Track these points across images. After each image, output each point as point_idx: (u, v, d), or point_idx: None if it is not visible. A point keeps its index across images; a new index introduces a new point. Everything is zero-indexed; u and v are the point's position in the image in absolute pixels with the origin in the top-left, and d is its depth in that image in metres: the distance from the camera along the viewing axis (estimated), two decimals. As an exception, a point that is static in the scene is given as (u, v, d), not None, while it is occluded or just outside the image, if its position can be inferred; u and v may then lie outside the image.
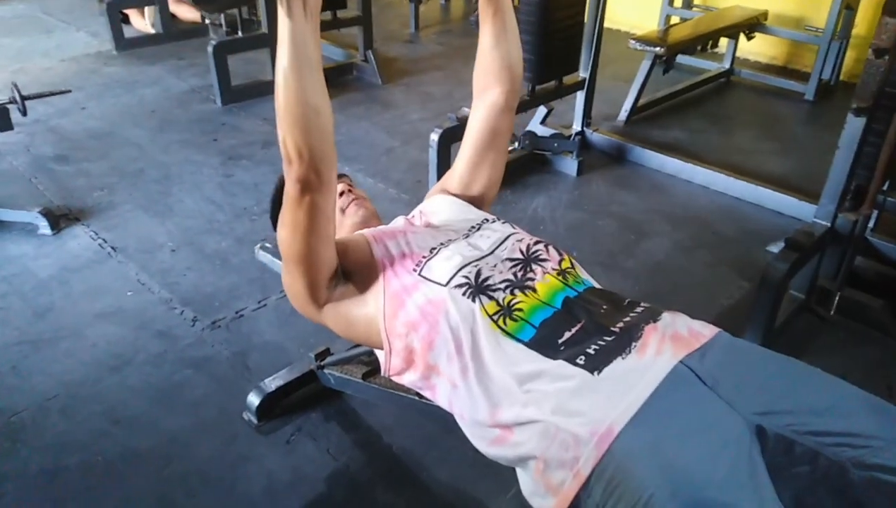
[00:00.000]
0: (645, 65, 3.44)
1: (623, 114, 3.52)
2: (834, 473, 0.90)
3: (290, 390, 1.76)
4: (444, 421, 1.16)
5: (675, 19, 4.41)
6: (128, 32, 4.74)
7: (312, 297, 1.18)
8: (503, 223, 1.29)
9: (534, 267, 1.15)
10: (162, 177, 2.89)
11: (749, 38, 3.94)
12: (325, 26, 4.00)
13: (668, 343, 0.99)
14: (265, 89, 3.75)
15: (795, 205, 2.65)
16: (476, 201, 1.41)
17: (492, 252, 1.18)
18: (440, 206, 1.36)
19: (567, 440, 0.91)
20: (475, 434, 1.08)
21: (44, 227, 2.49)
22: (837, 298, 2.03)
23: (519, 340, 1.03)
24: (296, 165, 1.02)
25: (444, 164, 2.54)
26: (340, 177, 1.45)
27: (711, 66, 4.16)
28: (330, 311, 1.21)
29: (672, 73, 4.08)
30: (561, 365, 0.97)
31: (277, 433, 1.69)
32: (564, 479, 0.91)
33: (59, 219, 2.55)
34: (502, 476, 1.46)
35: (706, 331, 1.04)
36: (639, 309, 1.08)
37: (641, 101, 3.61)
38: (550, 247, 1.20)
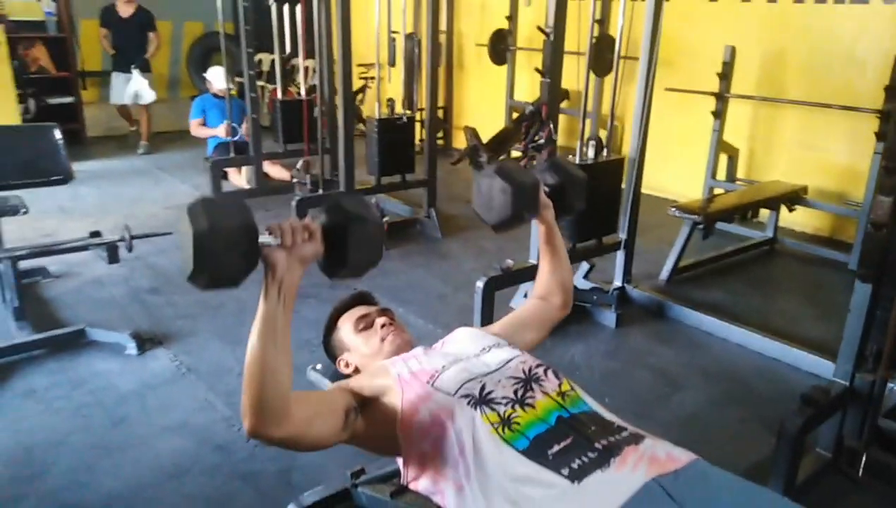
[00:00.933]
0: (684, 230, 3.67)
1: (665, 274, 3.71)
2: None
3: (327, 506, 1.90)
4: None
5: (718, 191, 4.69)
6: (226, 187, 5.41)
7: (335, 441, 1.33)
8: (513, 348, 1.49)
9: (534, 386, 1.33)
10: (238, 310, 3.23)
11: (790, 210, 4.16)
12: (395, 187, 4.51)
13: (645, 462, 1.13)
14: (336, 238, 4.18)
15: (832, 368, 2.70)
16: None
17: (497, 370, 1.37)
18: (459, 335, 1.58)
19: (546, 538, 1.04)
20: None
21: (131, 348, 2.81)
22: (864, 458, 2.05)
23: (515, 448, 1.19)
24: (246, 420, 1.14)
25: (487, 309, 2.77)
26: (384, 311, 1.70)
27: (755, 235, 4.36)
28: (352, 440, 1.38)
29: (717, 240, 4.32)
30: (548, 474, 1.13)
31: (310, 549, 1.81)
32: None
33: (145, 342, 2.88)
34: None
35: (684, 457, 1.18)
36: (624, 433, 1.24)
37: (685, 264, 3.82)
38: (549, 371, 1.38)
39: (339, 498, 1.91)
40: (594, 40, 3.08)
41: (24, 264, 3.52)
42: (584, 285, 3.31)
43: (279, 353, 1.14)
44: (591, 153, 3.07)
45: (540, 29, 2.75)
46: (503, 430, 1.22)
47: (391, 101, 4.27)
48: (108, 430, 2.31)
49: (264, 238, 1.12)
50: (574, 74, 3.24)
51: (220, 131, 5.50)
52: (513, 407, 1.27)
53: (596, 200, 3.04)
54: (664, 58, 5.19)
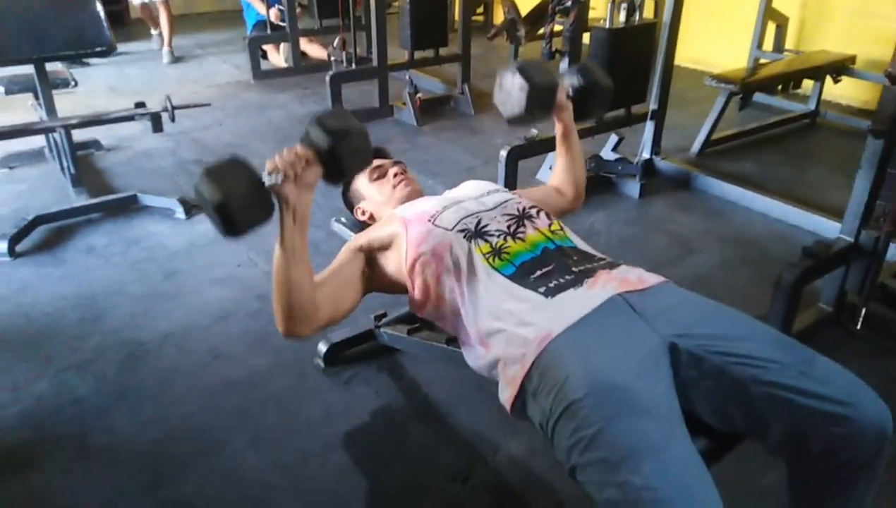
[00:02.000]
0: (719, 101, 3.61)
1: (696, 147, 3.70)
2: (737, 388, 1.13)
3: (352, 343, 2.12)
4: (476, 381, 1.46)
5: (764, 62, 4.52)
6: (265, 65, 5.48)
7: (360, 301, 1.53)
8: (512, 193, 1.60)
9: (526, 222, 1.46)
10: (276, 180, 3.40)
11: (836, 81, 4.01)
12: (429, 62, 4.50)
13: (615, 282, 1.27)
14: (370, 115, 4.27)
15: (851, 233, 2.73)
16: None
17: (495, 207, 1.50)
18: (466, 184, 1.70)
19: (520, 342, 1.20)
20: (470, 355, 1.39)
21: (179, 212, 3.03)
22: (863, 313, 2.14)
23: (503, 274, 1.33)
24: (280, 326, 1.33)
25: (511, 178, 2.87)
26: (396, 162, 1.82)
27: (797, 107, 4.24)
28: (376, 285, 1.56)
29: (756, 112, 4.24)
30: (527, 292, 1.27)
31: (338, 375, 2.05)
32: (516, 372, 1.20)
33: (192, 208, 3.08)
34: (517, 429, 1.76)
35: (653, 279, 1.31)
36: (602, 261, 1.36)
37: (719, 136, 3.79)
38: (542, 212, 1.50)
39: (364, 338, 2.15)
40: None
41: (78, 137, 3.75)
42: (611, 156, 3.34)
43: (301, 270, 1.29)
44: (622, 17, 3.01)
45: None
46: (493, 259, 1.36)
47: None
48: (160, 281, 2.56)
49: (269, 178, 1.22)
50: None
51: (265, 11, 5.46)
52: (504, 238, 1.40)
53: (625, 68, 3.03)
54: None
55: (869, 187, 2.02)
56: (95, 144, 3.74)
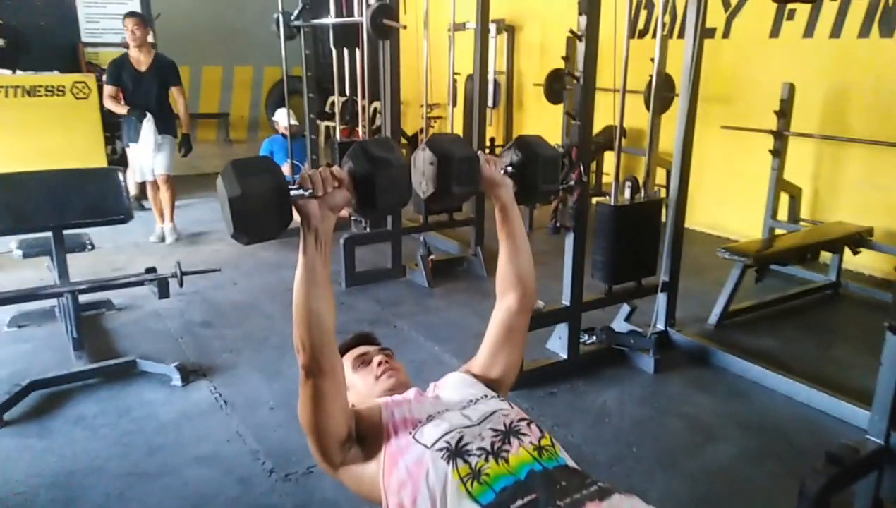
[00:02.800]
0: (734, 273, 3.55)
1: (713, 319, 3.59)
2: None
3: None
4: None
5: (779, 231, 4.51)
6: (287, 223, 5.63)
7: (327, 460, 1.39)
8: (501, 400, 1.48)
9: (512, 439, 1.32)
10: (281, 344, 3.34)
11: (855, 253, 3.94)
12: (443, 225, 4.58)
13: (604, 520, 1.11)
14: (383, 276, 4.29)
15: (884, 423, 2.53)
16: (494, 384, 1.60)
17: (479, 422, 1.37)
18: (450, 381, 1.59)
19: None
20: None
21: (176, 380, 2.96)
22: (906, 526, 1.91)
23: (479, 503, 1.19)
24: (300, 355, 1.27)
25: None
26: (382, 350, 1.74)
27: (817, 278, 4.15)
28: (344, 472, 1.42)
29: (776, 282, 4.15)
30: (503, 530, 1.12)
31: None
32: None
33: (190, 374, 3.02)
34: None
35: (648, 515, 1.15)
36: (593, 488, 1.21)
37: (738, 307, 3.68)
38: (532, 425, 1.38)
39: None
40: (651, 78, 3.07)
41: (91, 297, 3.80)
42: (623, 328, 3.24)
43: (321, 296, 1.23)
44: (626, 194, 3.04)
45: (570, 74, 2.76)
46: (471, 483, 1.22)
47: (438, 142, 4.36)
48: (144, 458, 2.43)
49: (296, 191, 1.18)
50: (633, 112, 3.23)
51: (285, 169, 5.75)
52: (486, 458, 1.27)
53: (633, 242, 3.01)
54: (722, 94, 5.12)
55: (894, 385, 1.86)
56: (107, 304, 3.77)
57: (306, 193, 1.19)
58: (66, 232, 3.07)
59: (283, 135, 5.98)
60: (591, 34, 2.66)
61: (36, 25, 6.86)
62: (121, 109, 5.03)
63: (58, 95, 5.72)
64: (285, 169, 5.69)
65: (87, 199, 3.06)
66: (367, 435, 1.41)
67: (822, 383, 2.83)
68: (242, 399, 2.85)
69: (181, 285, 3.10)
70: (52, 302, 3.56)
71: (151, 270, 3.15)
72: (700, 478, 2.31)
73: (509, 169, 1.56)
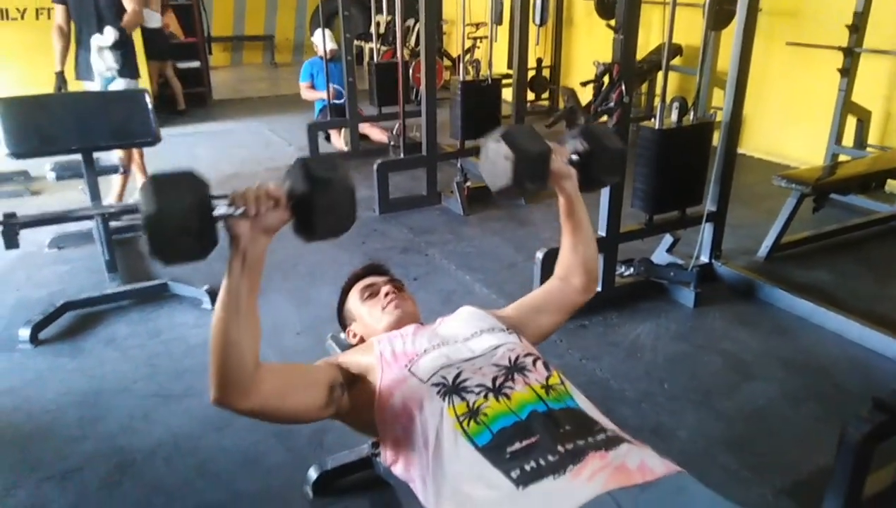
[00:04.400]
0: (790, 202, 3.30)
1: (763, 251, 3.37)
2: None
3: (347, 471, 1.92)
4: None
5: (843, 158, 4.18)
6: (327, 148, 5.56)
7: (320, 417, 1.32)
8: (509, 333, 1.38)
9: (516, 376, 1.23)
10: (309, 272, 3.31)
11: (927, 180, 3.62)
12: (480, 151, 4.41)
13: (607, 472, 1.01)
14: (417, 202, 4.19)
15: (944, 366, 2.35)
16: (519, 329, 1.48)
17: (481, 356, 1.28)
18: (459, 314, 1.49)
19: (475, 542, 0.97)
20: None
21: (206, 303, 2.97)
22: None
23: (474, 444, 1.11)
24: (210, 391, 1.13)
25: (546, 279, 2.64)
26: (391, 281, 1.65)
27: (882, 208, 3.84)
28: (341, 416, 1.37)
29: (836, 212, 3.87)
30: (496, 475, 1.04)
31: (326, 509, 1.84)
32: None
33: (221, 298, 3.02)
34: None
35: (660, 469, 1.04)
36: (600, 436, 1.11)
37: (791, 239, 3.46)
38: (539, 362, 1.28)
39: (360, 466, 1.94)
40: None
41: (127, 220, 3.82)
42: (663, 260, 3.07)
43: (242, 327, 1.11)
44: (674, 116, 2.81)
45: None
46: (468, 423, 1.14)
47: (476, 63, 4.14)
48: (170, 380, 2.45)
49: (224, 209, 1.07)
50: (688, 28, 2.95)
51: (323, 95, 5.62)
52: (485, 396, 1.19)
53: (678, 168, 2.81)
54: (788, 8, 4.69)
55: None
56: (143, 227, 3.79)
57: (237, 213, 1.07)
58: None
59: (322, 58, 5.82)
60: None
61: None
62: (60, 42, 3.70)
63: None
64: (322, 95, 5.54)
65: (115, 122, 3.01)
66: (361, 377, 1.35)
67: (877, 322, 2.64)
68: (270, 323, 2.83)
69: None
70: (91, 224, 3.60)
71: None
72: (734, 418, 2.19)
73: (574, 158, 1.49)
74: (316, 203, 1.11)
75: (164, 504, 1.87)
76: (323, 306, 2.98)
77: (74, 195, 4.09)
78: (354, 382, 1.36)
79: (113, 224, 3.29)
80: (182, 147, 5.83)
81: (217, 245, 1.08)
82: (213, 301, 2.88)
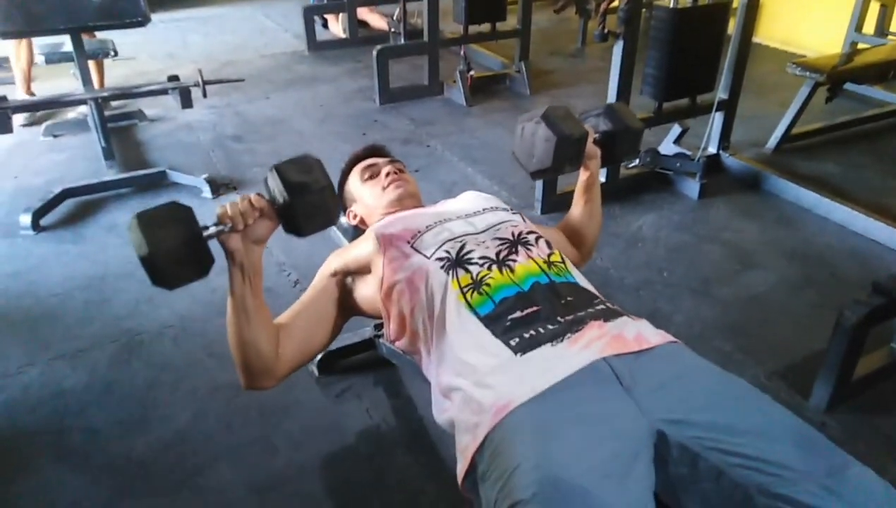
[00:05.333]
0: (803, 91, 3.20)
1: (772, 142, 3.31)
2: (738, 497, 0.89)
3: (350, 352, 1.97)
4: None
5: (862, 46, 4.01)
6: (324, 35, 5.34)
7: (338, 333, 1.43)
8: (513, 213, 1.38)
9: (520, 249, 1.23)
10: (311, 161, 3.26)
11: (947, 70, 3.48)
12: (484, 37, 4.24)
13: (604, 340, 1.03)
14: (419, 92, 4.07)
15: (945, 257, 2.35)
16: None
17: (485, 230, 1.28)
18: (464, 196, 1.48)
19: (475, 408, 0.99)
20: (434, 405, 1.19)
21: (206, 192, 2.95)
22: (946, 361, 1.80)
23: (476, 314, 1.12)
24: (242, 379, 1.25)
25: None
26: (392, 161, 1.62)
27: (897, 99, 3.73)
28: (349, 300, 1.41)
29: (851, 104, 3.77)
30: (495, 343, 1.06)
31: (331, 386, 1.90)
32: (468, 443, 0.99)
33: (220, 187, 3.00)
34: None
35: (655, 339, 1.06)
36: (600, 307, 1.12)
37: (801, 130, 3.38)
38: (541, 240, 1.28)
39: (364, 347, 1.98)
40: None
41: (121, 108, 3.74)
42: (670, 150, 3.01)
43: (254, 326, 1.18)
44: (688, -5, 2.67)
45: None
46: (471, 294, 1.15)
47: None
48: (173, 266, 2.47)
49: (214, 229, 1.10)
50: None
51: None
52: (489, 267, 1.19)
53: (691, 53, 2.70)
54: None
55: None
56: (139, 115, 3.71)
57: (226, 229, 1.09)
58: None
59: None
60: None
61: None
62: None
63: None
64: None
65: (102, 1, 2.87)
66: (363, 266, 1.36)
67: (882, 213, 2.62)
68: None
69: (205, 95, 2.97)
70: (86, 110, 3.52)
71: (174, 78, 3.01)
72: (731, 305, 2.22)
73: (597, 136, 1.49)
74: (297, 208, 1.12)
75: (175, 381, 1.92)
76: (324, 195, 2.96)
77: (66, 82, 3.98)
78: (356, 276, 1.38)
79: (107, 113, 3.23)
80: (174, 33, 5.62)
81: (215, 262, 1.11)
82: (213, 190, 2.92)
